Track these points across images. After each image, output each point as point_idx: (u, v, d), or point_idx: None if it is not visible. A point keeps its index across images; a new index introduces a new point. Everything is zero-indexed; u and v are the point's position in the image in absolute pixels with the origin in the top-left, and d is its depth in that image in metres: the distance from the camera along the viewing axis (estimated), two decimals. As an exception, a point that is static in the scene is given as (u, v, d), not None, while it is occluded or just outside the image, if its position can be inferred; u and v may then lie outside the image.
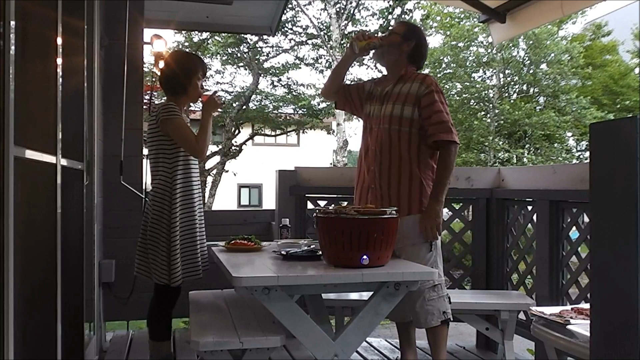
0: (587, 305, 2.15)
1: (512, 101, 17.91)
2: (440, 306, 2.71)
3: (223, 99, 2.98)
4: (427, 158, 2.78)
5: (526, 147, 18.10)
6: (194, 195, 2.86)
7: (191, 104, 3.04)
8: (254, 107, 16.66)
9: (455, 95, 17.98)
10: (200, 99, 2.92)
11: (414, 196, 2.74)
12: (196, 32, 14.77)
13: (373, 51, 2.88)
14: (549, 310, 2.23)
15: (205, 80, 3.02)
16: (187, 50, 3.32)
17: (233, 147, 15.81)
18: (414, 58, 2.91)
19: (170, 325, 2.92)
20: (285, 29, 16.23)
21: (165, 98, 2.96)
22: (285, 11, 6.10)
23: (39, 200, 2.18)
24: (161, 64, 3.11)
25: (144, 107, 4.66)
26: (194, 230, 2.85)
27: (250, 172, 19.68)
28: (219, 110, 2.78)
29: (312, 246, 2.59)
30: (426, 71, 19.62)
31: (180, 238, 2.79)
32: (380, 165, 2.80)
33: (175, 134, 2.76)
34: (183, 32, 14.31)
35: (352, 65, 3.12)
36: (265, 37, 14.95)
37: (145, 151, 3.20)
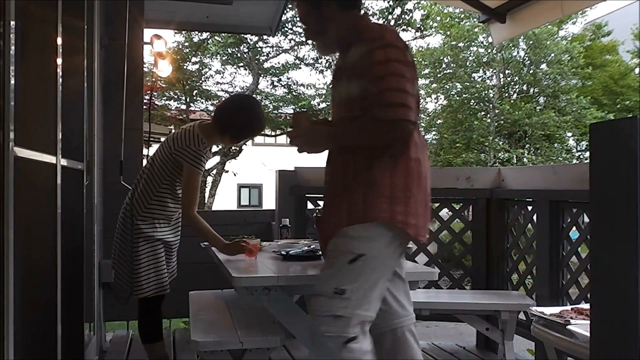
0: (587, 305, 2.15)
1: (512, 101, 17.89)
2: None
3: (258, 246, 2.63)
4: None
5: (526, 147, 18.08)
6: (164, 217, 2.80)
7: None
8: (254, 107, 16.63)
9: (455, 95, 17.97)
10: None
11: None
12: (196, 32, 14.76)
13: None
14: (549, 311, 2.24)
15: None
16: (258, 109, 2.97)
17: (233, 147, 15.79)
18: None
19: (160, 326, 2.90)
20: (285, 29, 16.21)
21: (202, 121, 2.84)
22: (285, 11, 6.09)
23: (39, 200, 2.18)
24: (226, 102, 2.92)
25: (144, 107, 4.66)
26: (157, 247, 2.78)
27: (250, 172, 19.68)
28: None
29: (312, 246, 2.59)
30: (426, 71, 19.42)
31: (146, 253, 2.75)
32: None
33: (185, 181, 2.66)
34: (183, 32, 14.30)
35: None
36: (265, 37, 14.94)
37: (145, 151, 3.18)
